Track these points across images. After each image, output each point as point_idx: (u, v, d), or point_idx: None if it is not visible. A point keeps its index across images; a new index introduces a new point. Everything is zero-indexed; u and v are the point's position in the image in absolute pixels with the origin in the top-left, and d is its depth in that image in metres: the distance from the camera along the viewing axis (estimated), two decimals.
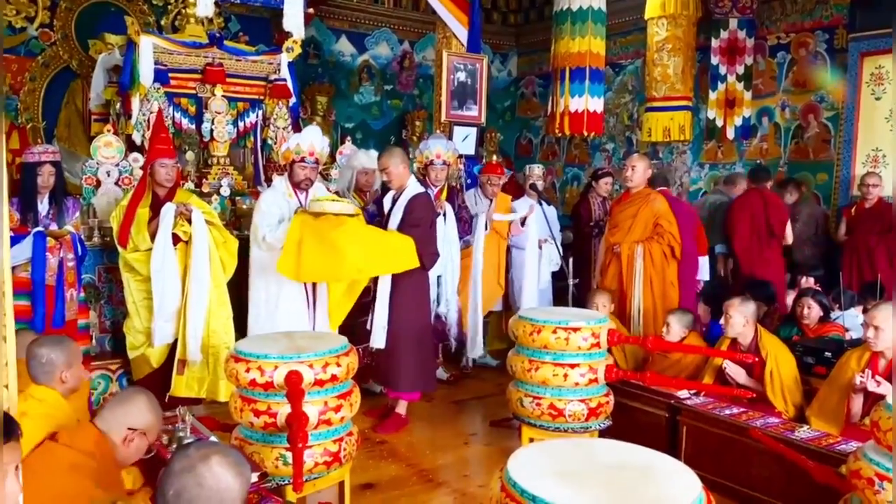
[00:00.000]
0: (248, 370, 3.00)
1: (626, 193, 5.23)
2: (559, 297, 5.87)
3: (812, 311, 4.52)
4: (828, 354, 3.91)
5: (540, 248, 5.62)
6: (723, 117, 7.60)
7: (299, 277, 4.14)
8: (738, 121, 7.59)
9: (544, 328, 3.69)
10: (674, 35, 7.20)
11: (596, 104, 6.61)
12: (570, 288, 5.28)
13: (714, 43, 7.53)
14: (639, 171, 5.10)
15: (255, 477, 2.78)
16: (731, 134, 7.63)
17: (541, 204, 5.64)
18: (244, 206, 5.43)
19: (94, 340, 4.53)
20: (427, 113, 8.90)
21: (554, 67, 6.67)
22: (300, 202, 4.39)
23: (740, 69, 7.51)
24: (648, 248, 4.93)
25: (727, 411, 3.64)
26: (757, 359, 3.75)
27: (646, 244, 4.95)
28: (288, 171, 4.48)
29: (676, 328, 4.39)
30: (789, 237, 6.05)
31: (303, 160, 4.35)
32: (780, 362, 3.90)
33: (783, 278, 5.97)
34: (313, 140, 4.37)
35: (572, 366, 3.66)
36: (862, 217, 6.03)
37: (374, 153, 5.37)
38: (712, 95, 7.63)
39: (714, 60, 7.56)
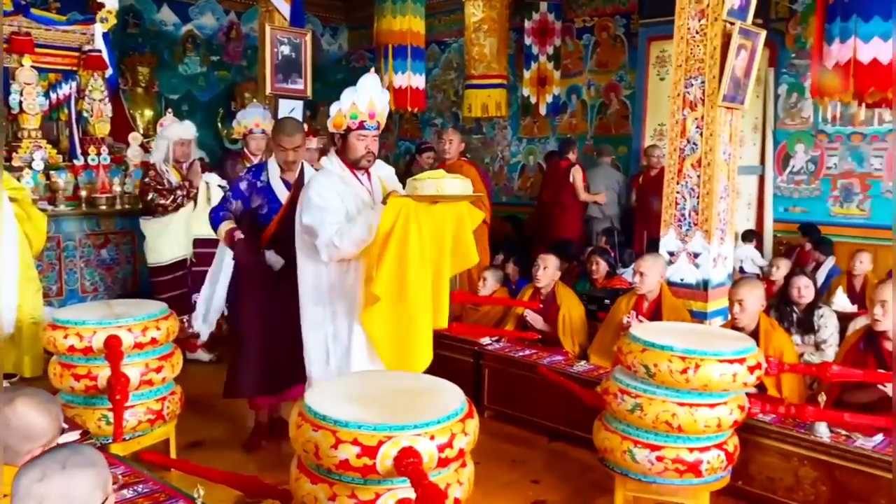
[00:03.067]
0: (66, 337, 3.10)
1: (441, 165, 5.64)
2: None
3: (600, 268, 5.17)
4: (607, 302, 4.54)
5: None
6: (536, 95, 8.24)
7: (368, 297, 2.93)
8: (550, 98, 8.26)
9: None
10: (489, 17, 7.68)
11: (418, 81, 6.99)
12: None
13: (527, 24, 8.12)
14: (454, 143, 5.55)
15: (77, 435, 2.91)
16: (543, 110, 8.31)
17: None
18: (59, 181, 5.31)
19: None
20: (256, 85, 8.86)
21: (377, 44, 6.96)
22: (367, 188, 3.20)
23: (550, 50, 8.16)
24: None
25: (521, 353, 4.16)
26: (541, 305, 4.29)
27: None
28: (339, 143, 3.15)
29: (491, 282, 4.92)
30: (581, 194, 6.77)
31: (361, 126, 3.07)
32: (571, 309, 4.47)
33: (576, 236, 6.63)
34: (373, 96, 3.07)
35: None
36: (648, 185, 6.84)
37: (188, 123, 5.29)
38: (526, 74, 8.24)
39: (527, 41, 8.16)
